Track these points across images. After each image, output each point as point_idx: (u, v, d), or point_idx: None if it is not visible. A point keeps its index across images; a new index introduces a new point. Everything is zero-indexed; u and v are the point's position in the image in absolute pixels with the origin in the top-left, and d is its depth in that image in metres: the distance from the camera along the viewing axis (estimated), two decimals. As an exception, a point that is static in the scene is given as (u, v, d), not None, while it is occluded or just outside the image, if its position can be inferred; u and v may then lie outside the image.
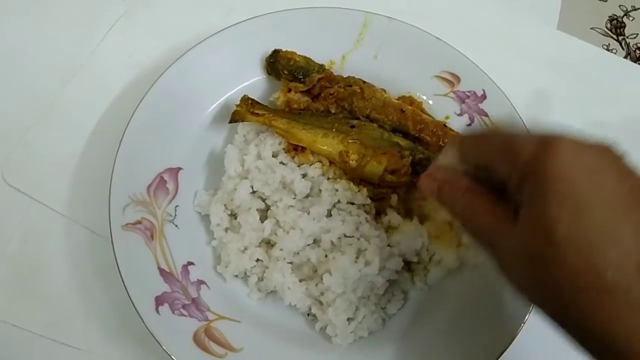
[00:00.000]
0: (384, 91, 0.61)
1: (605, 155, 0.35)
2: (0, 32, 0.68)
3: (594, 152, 0.34)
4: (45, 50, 0.67)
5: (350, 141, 0.54)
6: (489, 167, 0.39)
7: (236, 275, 0.55)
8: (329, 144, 0.54)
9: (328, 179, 0.56)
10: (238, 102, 0.57)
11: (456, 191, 0.41)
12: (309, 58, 0.61)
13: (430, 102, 0.63)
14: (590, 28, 0.77)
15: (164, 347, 0.47)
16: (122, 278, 0.49)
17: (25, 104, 0.64)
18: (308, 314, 0.55)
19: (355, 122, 0.56)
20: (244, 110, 0.56)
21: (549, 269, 0.33)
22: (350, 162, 0.54)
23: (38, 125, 0.63)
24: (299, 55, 0.61)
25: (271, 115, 0.56)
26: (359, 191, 0.55)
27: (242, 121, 0.57)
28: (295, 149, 0.56)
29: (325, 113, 0.57)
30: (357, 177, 0.55)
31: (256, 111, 0.56)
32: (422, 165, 0.53)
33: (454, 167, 0.42)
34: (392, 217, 0.55)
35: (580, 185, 0.33)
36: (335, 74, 0.62)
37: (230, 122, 0.57)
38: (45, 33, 0.68)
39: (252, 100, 0.58)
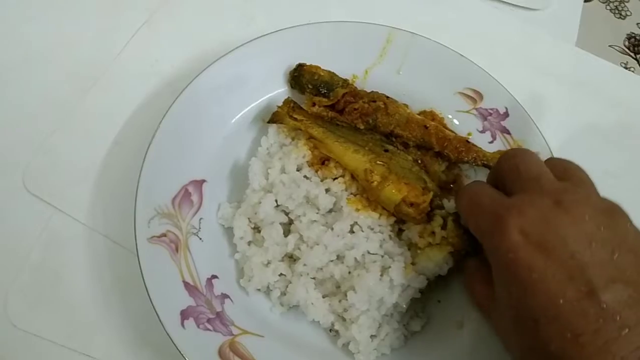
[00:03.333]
0: (407, 106, 0.61)
1: (551, 221, 0.39)
2: (22, 39, 0.67)
3: (539, 224, 0.39)
4: (66, 57, 0.67)
5: (378, 162, 0.54)
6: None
7: (258, 289, 0.55)
8: (357, 160, 0.54)
9: (350, 194, 0.56)
10: (280, 104, 0.58)
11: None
12: (333, 73, 0.61)
13: (450, 116, 0.63)
14: (609, 45, 0.78)
15: (191, 363, 0.47)
16: (148, 292, 0.49)
17: (46, 110, 0.64)
18: (330, 330, 0.55)
19: (390, 147, 0.56)
20: (284, 113, 0.57)
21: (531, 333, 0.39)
22: (372, 181, 0.53)
23: (59, 132, 0.63)
24: (323, 70, 0.61)
25: (309, 122, 0.57)
26: (379, 217, 0.54)
27: (281, 123, 0.57)
28: (322, 163, 0.56)
29: (363, 131, 0.57)
30: (373, 198, 0.55)
31: (295, 115, 0.57)
32: (438, 208, 0.54)
33: None
34: (412, 234, 0.55)
35: (525, 266, 0.38)
36: (357, 88, 0.62)
37: (269, 122, 0.58)
38: (66, 40, 0.68)
39: (295, 103, 0.58)
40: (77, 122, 0.64)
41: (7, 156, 0.61)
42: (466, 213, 0.48)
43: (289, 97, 0.59)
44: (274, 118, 0.58)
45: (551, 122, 0.70)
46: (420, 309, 0.56)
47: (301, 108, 0.59)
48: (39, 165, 0.61)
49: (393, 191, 0.52)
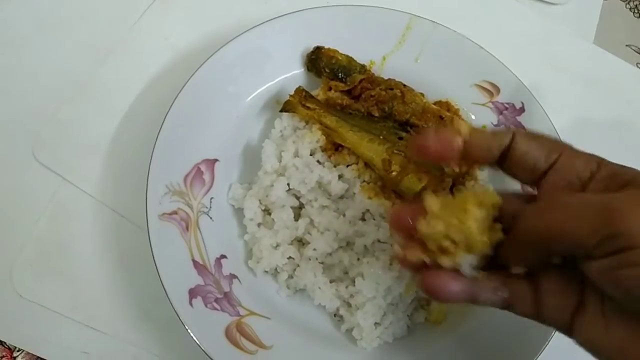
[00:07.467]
0: (423, 95, 0.61)
1: None
2: (36, 9, 0.66)
3: None
4: (80, 29, 0.66)
5: (395, 152, 0.54)
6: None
7: (266, 271, 0.55)
8: (373, 150, 0.54)
9: (363, 181, 0.56)
10: (292, 93, 0.57)
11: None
12: (351, 57, 0.60)
13: (466, 109, 0.63)
14: (626, 45, 0.77)
15: (198, 342, 0.47)
16: (157, 269, 0.49)
17: (59, 81, 0.63)
18: (335, 315, 0.55)
19: (404, 134, 0.56)
20: (296, 101, 0.56)
21: None
22: (392, 171, 0.53)
23: (71, 103, 0.62)
24: (341, 54, 0.60)
25: (322, 111, 0.56)
26: (392, 205, 0.54)
27: (293, 112, 0.57)
28: (335, 149, 0.56)
29: (377, 118, 0.57)
30: (393, 188, 0.55)
31: (307, 104, 0.56)
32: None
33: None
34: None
35: None
36: (374, 74, 0.61)
37: (281, 110, 0.57)
38: (80, 10, 0.66)
39: (306, 92, 0.57)
40: (89, 93, 0.63)
41: (17, 125, 0.60)
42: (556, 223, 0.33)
43: (300, 86, 0.58)
44: (286, 107, 0.57)
45: (564, 118, 0.70)
46: (425, 301, 0.56)
47: (312, 97, 0.58)
48: (49, 135, 0.60)
49: (414, 180, 0.52)
